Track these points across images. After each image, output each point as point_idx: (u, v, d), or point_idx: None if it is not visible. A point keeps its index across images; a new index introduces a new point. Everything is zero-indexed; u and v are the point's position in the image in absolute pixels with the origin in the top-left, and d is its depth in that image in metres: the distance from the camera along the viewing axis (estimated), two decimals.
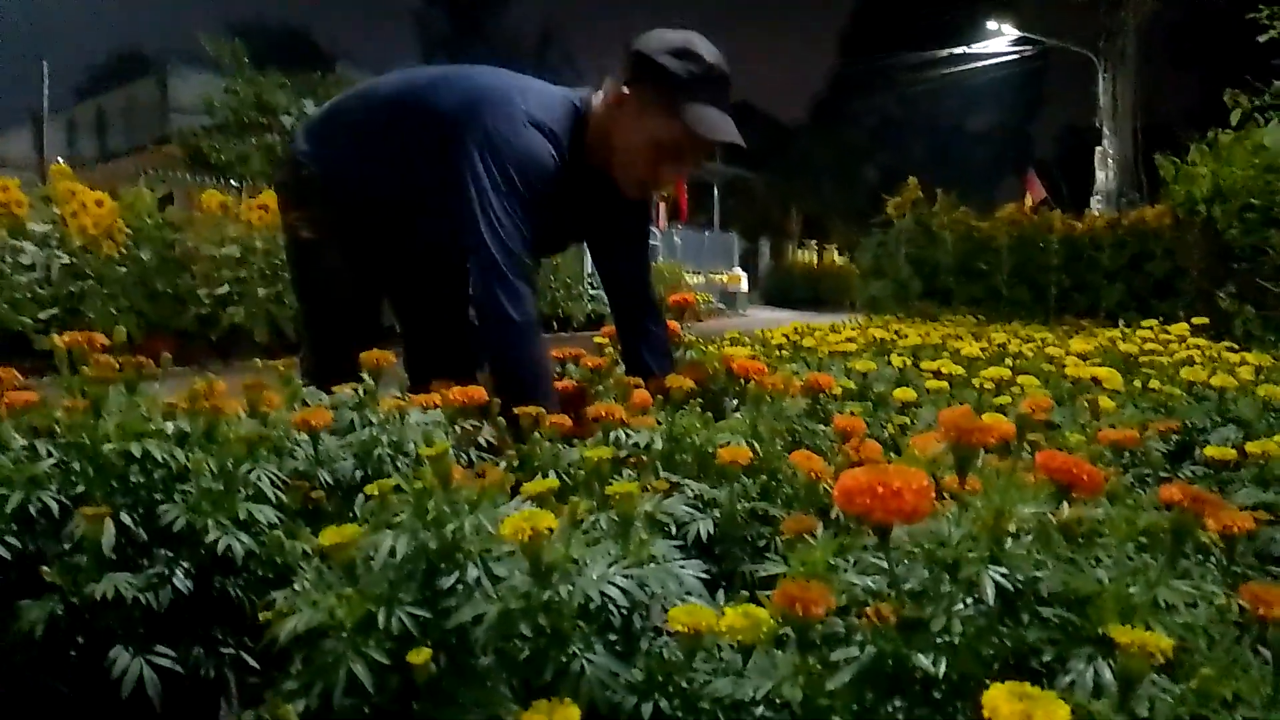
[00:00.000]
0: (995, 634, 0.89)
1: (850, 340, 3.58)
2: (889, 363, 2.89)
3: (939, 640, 0.87)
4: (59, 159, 10.10)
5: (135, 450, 1.16)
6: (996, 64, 27.69)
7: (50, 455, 1.18)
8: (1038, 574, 0.93)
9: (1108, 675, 0.84)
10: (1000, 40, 24.55)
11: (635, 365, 2.34)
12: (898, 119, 39.84)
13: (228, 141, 13.88)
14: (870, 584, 0.93)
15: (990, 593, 0.85)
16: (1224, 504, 0.98)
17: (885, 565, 0.93)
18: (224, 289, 8.90)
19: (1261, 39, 4.74)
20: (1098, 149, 17.47)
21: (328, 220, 2.30)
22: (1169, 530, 0.95)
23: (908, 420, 2.18)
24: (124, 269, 8.38)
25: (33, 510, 1.09)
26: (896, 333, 4.02)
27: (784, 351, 3.38)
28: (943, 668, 0.85)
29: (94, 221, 7.95)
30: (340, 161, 2.29)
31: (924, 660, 0.85)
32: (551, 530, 0.93)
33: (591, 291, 11.51)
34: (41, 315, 7.63)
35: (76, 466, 1.17)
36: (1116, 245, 8.98)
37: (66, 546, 1.12)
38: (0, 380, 1.26)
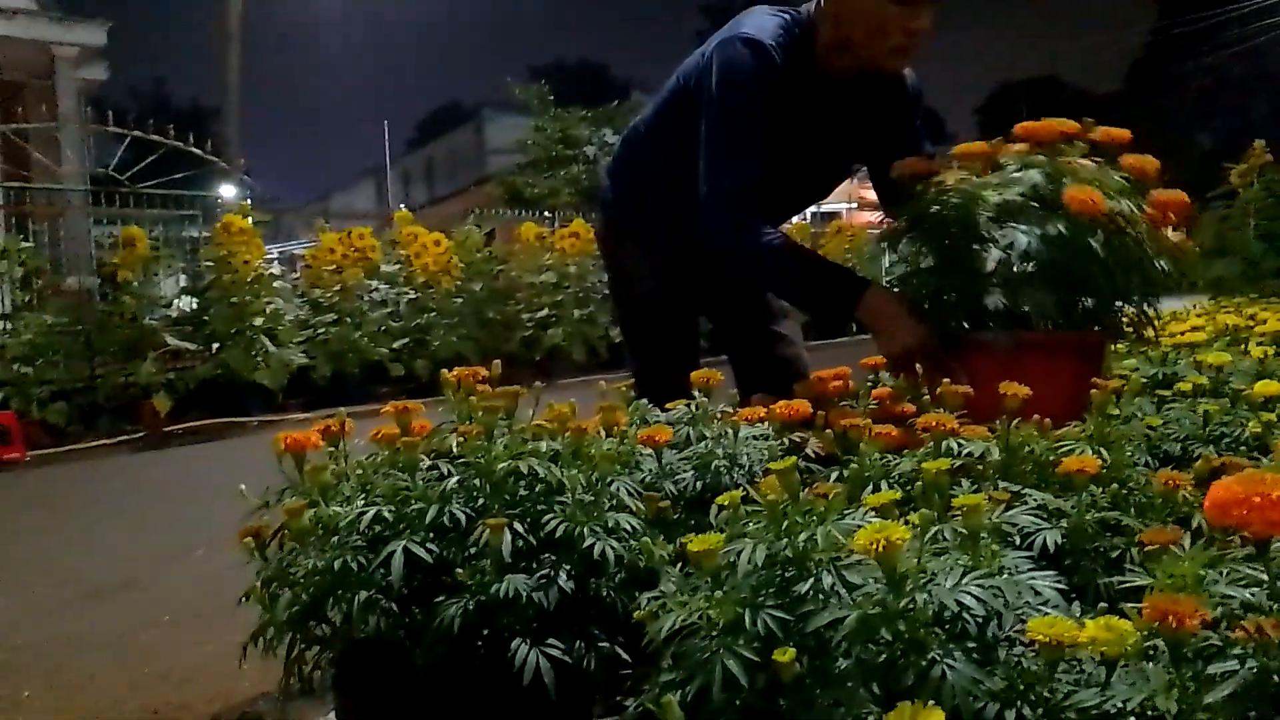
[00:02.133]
0: None
1: (1196, 329, 3.28)
2: (1246, 352, 2.63)
3: None
4: (401, 206, 11.42)
5: (523, 468, 1.34)
6: None
7: (452, 474, 1.39)
8: None
9: None
10: None
11: None
12: (1234, 77, 35.44)
13: (539, 176, 15.04)
14: (1248, 596, 0.89)
15: None
16: None
17: (1264, 576, 0.89)
18: (543, 313, 9.67)
19: None
20: None
21: (636, 254, 2.46)
22: None
23: (1274, 417, 1.98)
24: (459, 300, 9.35)
25: (445, 521, 1.29)
26: (1251, 317, 3.62)
27: (1117, 347, 3.16)
28: None
29: (434, 259, 8.94)
30: (635, 188, 2.42)
31: None
32: (903, 542, 0.98)
33: None
34: (395, 345, 8.68)
35: (476, 483, 1.36)
36: None
37: (471, 551, 1.31)
38: (408, 410, 1.49)
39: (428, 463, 1.45)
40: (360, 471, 1.43)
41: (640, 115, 2.56)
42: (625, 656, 1.32)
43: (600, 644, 1.32)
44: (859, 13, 2.09)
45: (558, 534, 1.30)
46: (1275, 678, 0.83)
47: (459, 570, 1.26)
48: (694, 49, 2.31)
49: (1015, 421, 1.57)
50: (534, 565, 1.32)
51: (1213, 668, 0.86)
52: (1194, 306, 5.34)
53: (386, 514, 1.30)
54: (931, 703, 0.90)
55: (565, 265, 9.84)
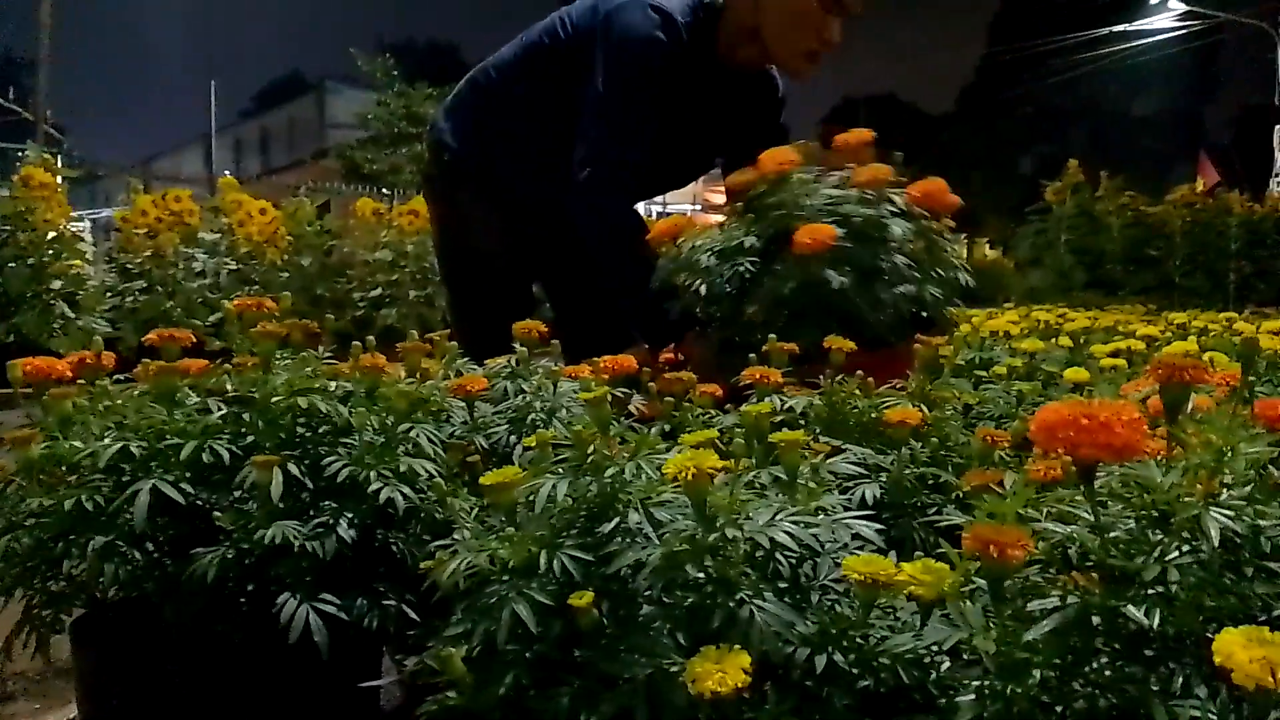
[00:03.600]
0: (1218, 586, 0.79)
1: (1013, 323, 3.39)
2: (1057, 344, 2.71)
3: (1151, 592, 0.78)
4: (226, 173, 10.76)
5: (302, 404, 1.18)
6: (1162, 41, 26.04)
7: (221, 409, 1.22)
8: (1261, 524, 0.82)
9: None
10: (1166, 15, 23.04)
11: None
12: (1055, 106, 37.95)
13: (380, 153, 14.50)
14: (1070, 531, 0.84)
15: (1215, 536, 0.75)
16: None
17: (1086, 513, 0.84)
18: (378, 292, 9.27)
19: None
20: (1277, 128, 16.21)
21: (475, 203, 2.30)
22: None
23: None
24: (286, 274, 8.83)
25: (205, 458, 1.12)
26: (1062, 315, 3.79)
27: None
28: (1156, 620, 0.76)
29: (259, 230, 8.42)
30: (481, 134, 2.25)
31: (1135, 612, 0.76)
32: (716, 471, 0.89)
33: None
34: (211, 319, 8.13)
35: (246, 418, 1.19)
36: None
37: (237, 494, 1.14)
38: (174, 338, 1.30)
39: (195, 399, 1.27)
40: (110, 404, 1.24)
41: (496, 56, 2.38)
42: (415, 616, 1.19)
43: (386, 601, 1.18)
44: (786, 11, 2.05)
45: (340, 478, 1.16)
46: (1095, 614, 0.79)
47: (216, 514, 1.10)
48: None
49: (839, 377, 1.53)
50: (313, 512, 1.17)
51: (1033, 605, 0.81)
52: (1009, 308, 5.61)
53: (135, 450, 1.12)
54: (738, 647, 0.81)
55: (403, 243, 9.47)
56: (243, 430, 1.19)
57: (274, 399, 1.20)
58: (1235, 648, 0.64)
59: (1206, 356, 2.17)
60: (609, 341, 2.32)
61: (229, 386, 1.31)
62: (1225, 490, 0.87)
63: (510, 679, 0.89)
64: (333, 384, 1.29)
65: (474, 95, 2.34)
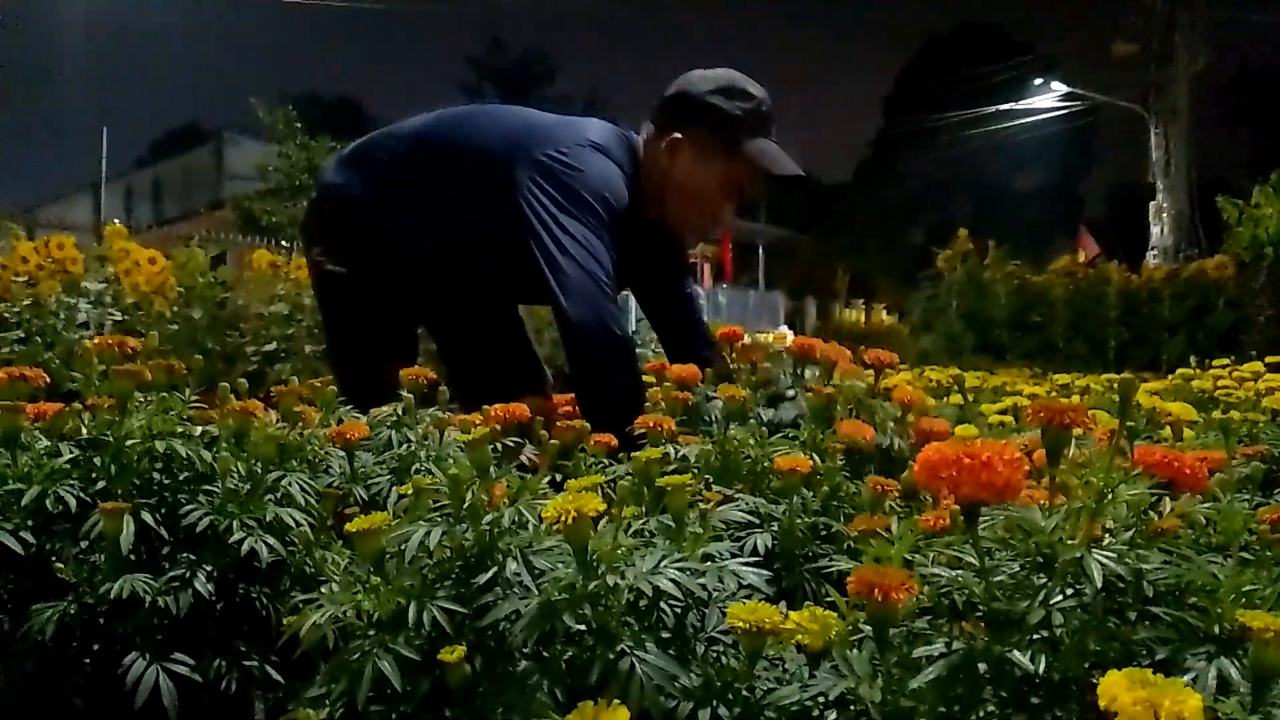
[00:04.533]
0: (1102, 630, 0.78)
1: (908, 383, 3.46)
2: (947, 403, 2.77)
3: (1036, 637, 0.77)
4: (115, 220, 10.36)
5: (160, 447, 1.10)
6: (1044, 120, 27.52)
7: (72, 453, 1.13)
8: (1144, 566, 0.82)
9: (1234, 673, 0.73)
10: (1048, 96, 24.40)
11: None
12: (943, 180, 39.60)
13: (280, 205, 14.17)
14: (955, 576, 0.83)
15: (1098, 578, 0.75)
16: None
17: (971, 557, 0.83)
18: (272, 346, 8.98)
19: None
20: (1152, 204, 17.20)
21: (359, 252, 2.24)
22: None
23: None
24: (175, 326, 8.50)
25: (49, 505, 1.03)
26: (954, 377, 3.89)
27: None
28: (1042, 665, 0.74)
29: (146, 279, 8.08)
30: (371, 198, 2.22)
31: (1021, 658, 0.75)
32: (598, 515, 0.85)
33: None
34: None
35: (98, 462, 1.11)
36: (1176, 297, 8.73)
37: (84, 545, 1.05)
38: (26, 378, 1.20)
39: (45, 443, 1.17)
40: None
41: (386, 130, 2.36)
42: (278, 677, 1.11)
43: (248, 661, 1.09)
44: (688, 189, 2.11)
45: (199, 527, 1.07)
46: (980, 660, 0.77)
47: (58, 565, 1.00)
48: (463, 99, 2.20)
49: (730, 426, 1.51)
50: (168, 565, 1.08)
51: (919, 651, 0.78)
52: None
53: None
54: (616, 701, 0.77)
55: (300, 296, 9.20)
56: (94, 475, 1.10)
57: (129, 442, 1.11)
58: (1119, 690, 0.62)
59: (1090, 412, 2.24)
60: (502, 388, 2.27)
61: (83, 430, 1.21)
62: (1107, 534, 0.87)
63: None
64: (197, 428, 1.21)
65: (370, 157, 2.30)
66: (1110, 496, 0.82)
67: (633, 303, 2.85)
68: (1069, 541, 0.80)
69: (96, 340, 1.30)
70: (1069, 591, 0.79)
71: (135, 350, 1.32)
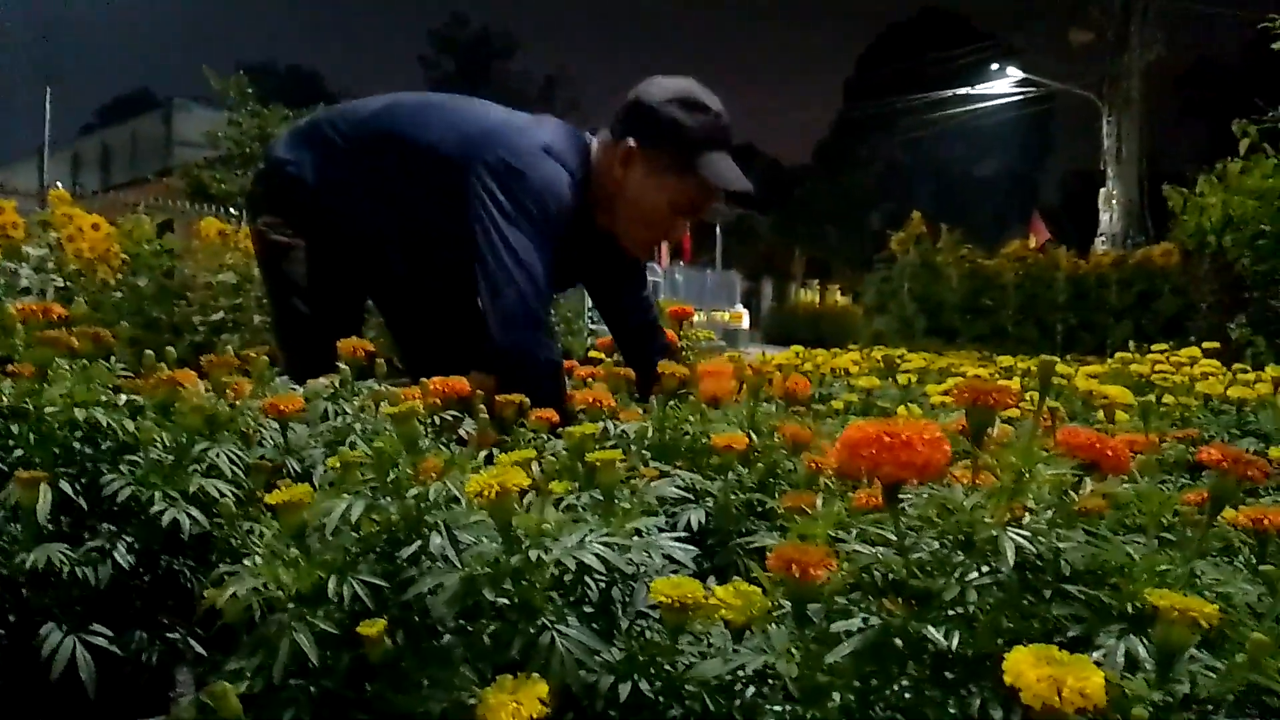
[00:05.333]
0: (1015, 607, 0.79)
1: (855, 363, 3.49)
2: (894, 381, 2.80)
3: (952, 613, 0.78)
4: (58, 185, 10.10)
5: (80, 416, 1.07)
6: (1001, 106, 27.81)
7: None
8: (1061, 545, 0.84)
9: (1142, 651, 0.75)
10: (1005, 82, 24.65)
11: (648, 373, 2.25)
12: (902, 164, 39.94)
13: (229, 173, 13.88)
14: (876, 553, 0.84)
15: (1011, 557, 0.76)
16: (1266, 465, 0.89)
17: (892, 535, 0.83)
18: (219, 316, 8.81)
19: (1275, 46, 4.67)
20: (1102, 191, 17.49)
21: (309, 230, 2.21)
22: (1208, 495, 0.86)
23: None
24: (120, 295, 8.31)
25: None
26: (901, 357, 3.93)
27: (786, 370, 3.29)
28: (955, 642, 0.75)
29: (90, 246, 7.89)
30: (326, 182, 2.19)
31: (936, 634, 0.76)
32: (523, 490, 0.84)
33: (592, 326, 11.44)
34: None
35: (17, 431, 1.08)
36: (1123, 283, 8.92)
37: (2, 515, 1.03)
38: None
39: None
40: None
41: (340, 110, 2.32)
42: (202, 651, 1.09)
43: (171, 633, 1.08)
44: (641, 206, 2.10)
45: (120, 498, 1.05)
46: (896, 636, 0.78)
47: None
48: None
49: (671, 403, 1.51)
50: (88, 536, 1.06)
51: (836, 626, 0.79)
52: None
53: None
54: (536, 676, 0.76)
55: (249, 266, 9.05)
56: (11, 444, 1.08)
57: (49, 410, 1.08)
58: (1025, 667, 0.63)
59: (1028, 395, 2.28)
60: (452, 360, 2.25)
61: (3, 398, 1.18)
62: (1029, 513, 0.88)
63: (290, 717, 0.82)
64: (121, 397, 1.18)
65: (322, 139, 2.26)
66: (1028, 476, 0.83)
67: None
68: (987, 521, 0.81)
69: (20, 306, 1.26)
70: (985, 569, 0.80)
71: (61, 317, 1.28)
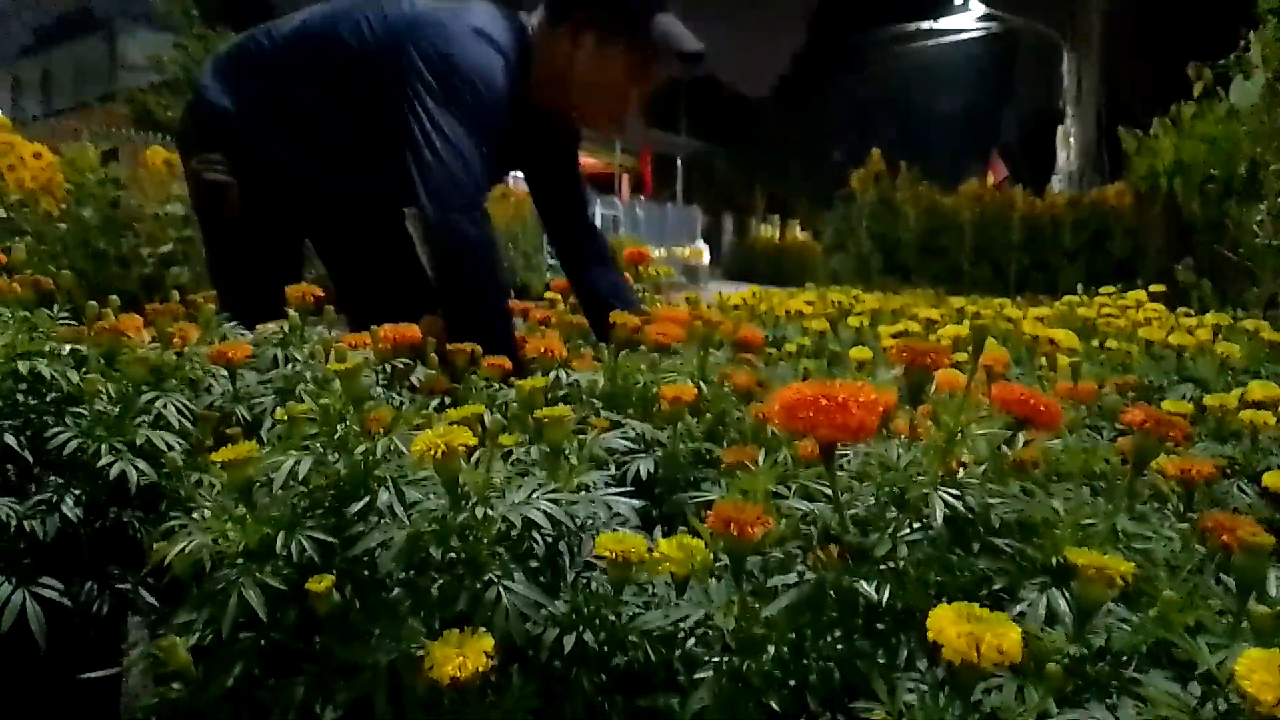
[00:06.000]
0: (944, 562, 0.82)
1: (809, 304, 3.52)
2: (846, 324, 2.83)
3: (884, 568, 0.81)
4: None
5: (22, 368, 1.06)
6: (963, 42, 27.72)
7: None
8: (991, 501, 0.87)
9: (1062, 605, 0.78)
10: (967, 16, 24.53)
11: (599, 312, 2.15)
12: (864, 99, 39.68)
13: (176, 99, 13.43)
14: (813, 509, 0.86)
15: (939, 514, 0.79)
16: (1186, 426, 0.93)
17: (829, 491, 0.86)
18: (168, 248, 8.60)
19: None
20: (1060, 129, 17.58)
21: (234, 165, 2.14)
22: (1131, 455, 0.89)
23: (865, 379, 2.12)
24: (64, 226, 8.07)
25: None
26: (855, 298, 3.96)
27: (740, 313, 3.31)
28: (886, 596, 0.78)
29: (32, 175, 7.66)
30: (244, 107, 2.11)
31: (867, 588, 0.79)
32: (469, 448, 0.85)
33: (550, 261, 11.36)
34: None
35: None
36: (1077, 224, 9.03)
37: None
38: None
39: None
40: None
41: (278, 27, 2.23)
42: (152, 601, 1.10)
43: (120, 584, 1.08)
44: (596, 79, 2.05)
45: (66, 450, 1.05)
46: (830, 590, 0.81)
47: None
48: None
49: (623, 353, 1.53)
50: (34, 488, 1.06)
51: (773, 581, 0.82)
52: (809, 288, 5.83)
53: None
54: (482, 629, 0.79)
55: None
56: None
57: None
58: (946, 623, 0.66)
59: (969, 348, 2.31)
60: (391, 306, 2.23)
61: None
62: (963, 469, 0.92)
63: (239, 669, 0.84)
64: (65, 347, 1.17)
65: (246, 61, 2.18)
66: (961, 435, 0.86)
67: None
68: (920, 478, 0.84)
69: None
70: (917, 525, 0.83)
71: (3, 263, 1.26)
